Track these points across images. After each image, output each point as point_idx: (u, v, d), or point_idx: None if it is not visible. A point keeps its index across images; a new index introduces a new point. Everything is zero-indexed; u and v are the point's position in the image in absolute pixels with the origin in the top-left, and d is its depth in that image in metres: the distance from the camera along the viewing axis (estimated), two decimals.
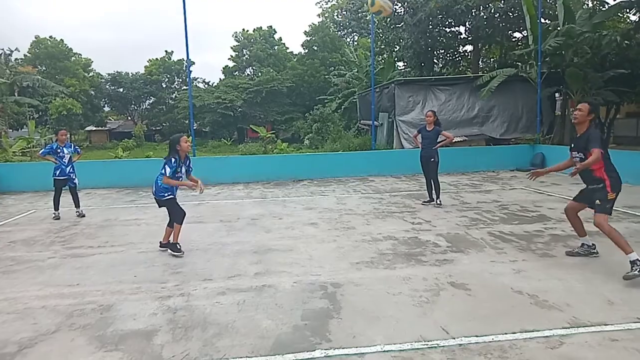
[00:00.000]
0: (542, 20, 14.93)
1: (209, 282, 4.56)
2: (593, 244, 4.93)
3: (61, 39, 49.70)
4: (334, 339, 3.27)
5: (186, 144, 5.50)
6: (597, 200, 4.44)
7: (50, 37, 49.25)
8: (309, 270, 4.80)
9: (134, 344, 3.29)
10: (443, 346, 3.12)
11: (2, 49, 33.38)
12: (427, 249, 5.49)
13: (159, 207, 5.68)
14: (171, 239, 5.59)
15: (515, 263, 4.86)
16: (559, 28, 14.66)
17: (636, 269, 4.17)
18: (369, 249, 5.58)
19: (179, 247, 5.54)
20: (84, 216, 8.13)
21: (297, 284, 4.42)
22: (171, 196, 5.52)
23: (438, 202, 8.23)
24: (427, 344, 3.15)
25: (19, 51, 41.60)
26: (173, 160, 5.35)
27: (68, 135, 8.55)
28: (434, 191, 8.28)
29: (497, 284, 4.26)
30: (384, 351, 3.08)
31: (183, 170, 5.54)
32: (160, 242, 5.77)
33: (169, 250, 5.55)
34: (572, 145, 4.74)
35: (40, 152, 8.44)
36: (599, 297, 3.86)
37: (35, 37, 48.46)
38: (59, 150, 8.01)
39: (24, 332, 3.52)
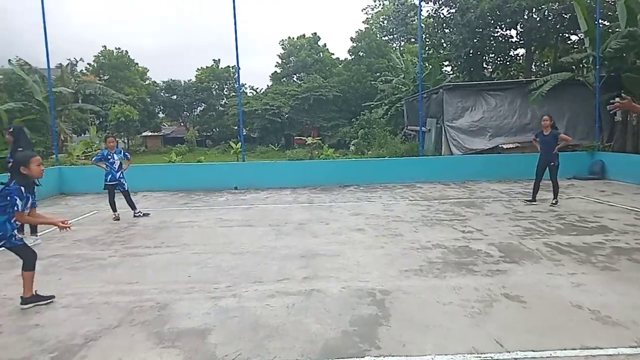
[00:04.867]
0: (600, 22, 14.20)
1: (259, 284, 4.66)
2: None
3: (126, 51, 52.36)
4: (383, 346, 3.25)
5: (39, 167, 4.09)
6: None
7: (117, 48, 51.92)
8: (356, 276, 4.80)
9: (189, 342, 3.42)
10: (497, 359, 3.03)
11: (69, 60, 35.62)
12: (478, 259, 5.34)
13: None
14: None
15: (574, 276, 4.64)
16: (618, 29, 13.90)
17: None
18: (417, 256, 5.50)
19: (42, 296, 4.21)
20: (148, 214, 8.66)
21: (345, 289, 4.43)
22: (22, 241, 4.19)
23: (554, 201, 8.59)
24: (480, 356, 3.06)
25: (83, 61, 44.53)
26: (22, 189, 3.97)
27: (117, 142, 9.01)
28: (538, 193, 8.94)
29: (554, 297, 4.08)
30: None
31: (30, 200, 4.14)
32: (22, 297, 4.15)
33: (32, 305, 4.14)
34: None
35: (93, 159, 8.97)
36: None
37: (103, 47, 51.18)
38: (109, 157, 8.44)
39: (89, 325, 3.75)
